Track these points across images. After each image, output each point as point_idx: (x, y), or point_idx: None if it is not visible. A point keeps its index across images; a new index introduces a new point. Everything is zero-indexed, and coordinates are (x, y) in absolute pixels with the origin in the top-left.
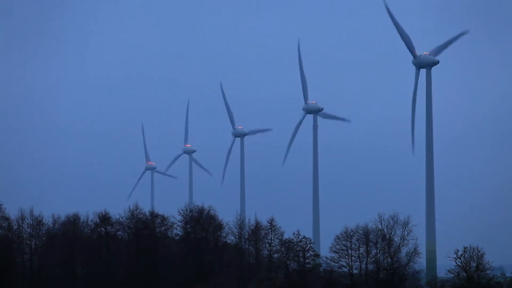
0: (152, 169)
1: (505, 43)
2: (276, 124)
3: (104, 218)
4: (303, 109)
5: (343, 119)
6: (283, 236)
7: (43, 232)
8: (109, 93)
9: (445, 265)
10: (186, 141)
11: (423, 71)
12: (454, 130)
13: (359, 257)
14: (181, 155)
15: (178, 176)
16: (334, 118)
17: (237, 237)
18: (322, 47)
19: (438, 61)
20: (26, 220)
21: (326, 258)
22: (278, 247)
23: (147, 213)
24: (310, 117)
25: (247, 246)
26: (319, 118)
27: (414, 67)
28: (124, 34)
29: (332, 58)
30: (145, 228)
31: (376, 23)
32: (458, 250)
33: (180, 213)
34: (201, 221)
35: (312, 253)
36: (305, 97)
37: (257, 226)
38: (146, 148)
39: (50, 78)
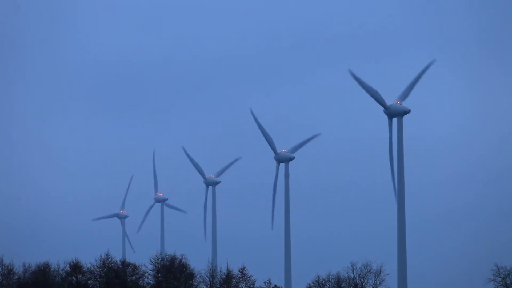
0: (123, 217)
1: None
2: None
3: (75, 267)
4: (275, 159)
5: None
6: (254, 284)
7: (14, 281)
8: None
9: None
10: (156, 190)
11: (394, 120)
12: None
13: None
14: (153, 205)
15: (149, 225)
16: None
17: (208, 286)
18: None
19: (410, 110)
20: None
21: None
22: None
23: (119, 262)
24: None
25: None
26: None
27: (386, 116)
28: None
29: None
30: (116, 277)
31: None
32: None
33: (152, 262)
34: (172, 270)
35: None
36: (274, 149)
37: (229, 275)
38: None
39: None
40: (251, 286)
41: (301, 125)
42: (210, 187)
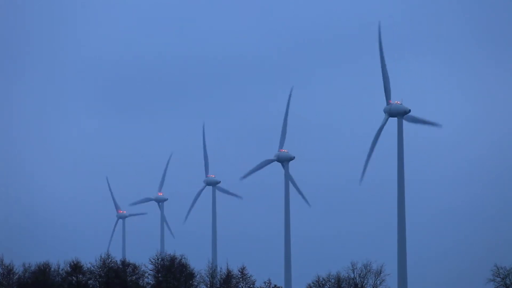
0: (123, 217)
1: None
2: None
3: (76, 267)
4: (275, 156)
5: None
6: (254, 284)
7: (14, 281)
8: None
9: None
10: (160, 190)
11: (393, 120)
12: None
13: None
14: (150, 200)
15: (149, 225)
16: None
17: (208, 286)
18: None
19: (410, 110)
20: None
21: None
22: None
23: (119, 262)
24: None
25: None
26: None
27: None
28: None
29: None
30: (116, 277)
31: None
32: None
33: (152, 262)
34: (172, 270)
35: None
36: (281, 145)
37: (229, 275)
38: (114, 199)
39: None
40: (251, 286)
41: (301, 125)
42: (210, 187)
